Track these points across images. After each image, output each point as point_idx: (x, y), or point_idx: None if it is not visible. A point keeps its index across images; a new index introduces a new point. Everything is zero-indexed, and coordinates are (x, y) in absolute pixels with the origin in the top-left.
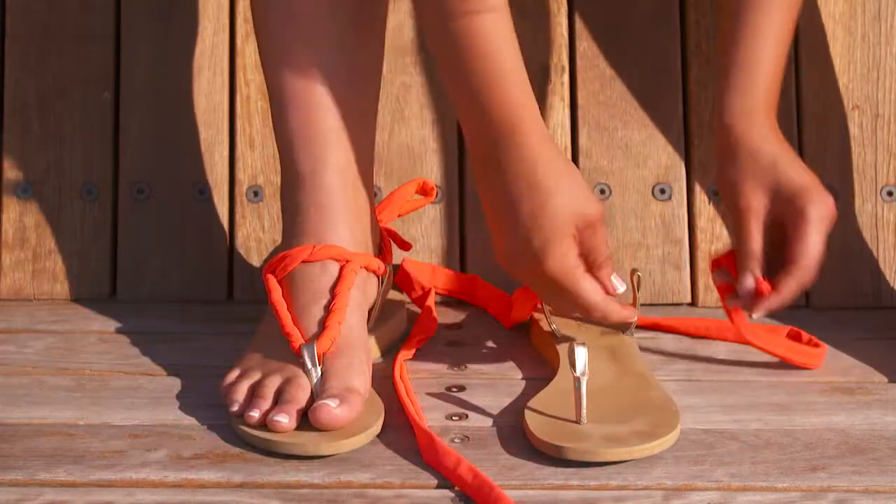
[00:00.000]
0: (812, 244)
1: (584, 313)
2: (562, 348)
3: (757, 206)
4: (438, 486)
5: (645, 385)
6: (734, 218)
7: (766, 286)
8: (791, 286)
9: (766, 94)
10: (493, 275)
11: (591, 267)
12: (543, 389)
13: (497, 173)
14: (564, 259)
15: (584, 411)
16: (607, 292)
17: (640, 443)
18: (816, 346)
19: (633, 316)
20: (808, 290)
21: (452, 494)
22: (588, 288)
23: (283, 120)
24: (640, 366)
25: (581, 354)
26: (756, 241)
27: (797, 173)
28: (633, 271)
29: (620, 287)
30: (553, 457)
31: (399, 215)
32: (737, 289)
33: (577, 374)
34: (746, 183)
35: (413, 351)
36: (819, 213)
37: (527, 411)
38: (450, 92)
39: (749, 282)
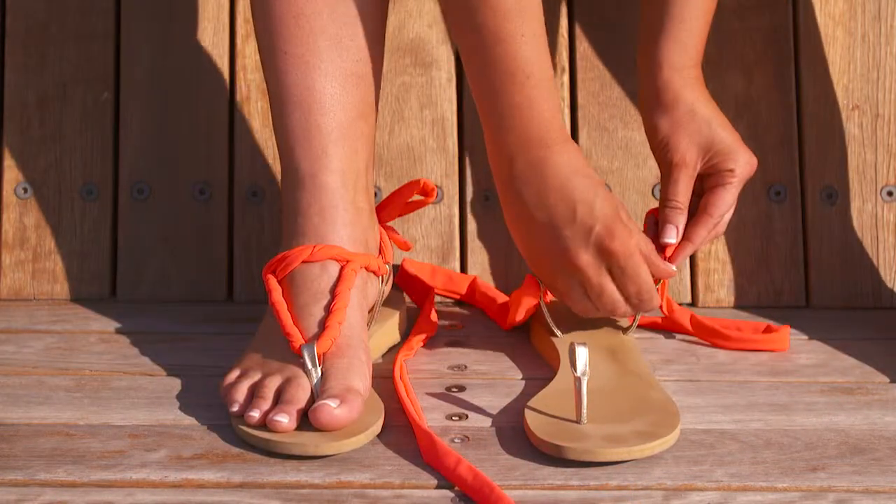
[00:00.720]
0: (728, 198)
1: (601, 308)
2: (562, 348)
3: (691, 161)
4: (438, 487)
5: (645, 385)
6: (665, 170)
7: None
8: (702, 234)
9: (698, 50)
10: (491, 275)
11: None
12: (543, 389)
13: (529, 187)
14: (631, 237)
15: (584, 411)
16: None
17: (641, 443)
18: (776, 331)
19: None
20: (808, 290)
21: (452, 494)
22: (645, 274)
23: (282, 120)
24: (640, 366)
25: (582, 354)
26: (686, 195)
27: (728, 133)
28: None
29: (672, 239)
30: (553, 456)
31: (399, 215)
32: (659, 238)
33: (578, 373)
34: (682, 138)
35: (413, 351)
36: (743, 172)
37: (527, 411)
38: (480, 109)
39: (672, 234)
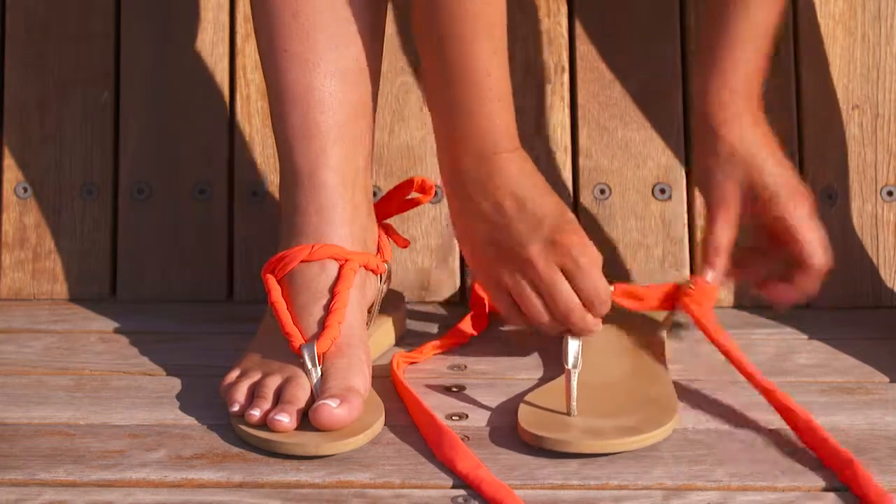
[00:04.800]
0: (815, 243)
1: (552, 307)
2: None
3: (730, 202)
4: (438, 487)
5: (653, 383)
6: (707, 209)
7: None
8: (811, 283)
9: (746, 84)
10: None
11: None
12: (548, 383)
13: (477, 185)
14: (581, 234)
15: (573, 403)
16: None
17: (619, 437)
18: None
19: (597, 325)
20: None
21: (453, 494)
22: (562, 285)
23: (282, 119)
24: (657, 364)
25: (573, 347)
26: (723, 236)
27: (774, 172)
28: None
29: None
30: (538, 447)
31: (397, 213)
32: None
33: (569, 366)
34: (720, 175)
35: (422, 357)
36: (803, 214)
37: (522, 403)
38: (432, 114)
39: (709, 274)
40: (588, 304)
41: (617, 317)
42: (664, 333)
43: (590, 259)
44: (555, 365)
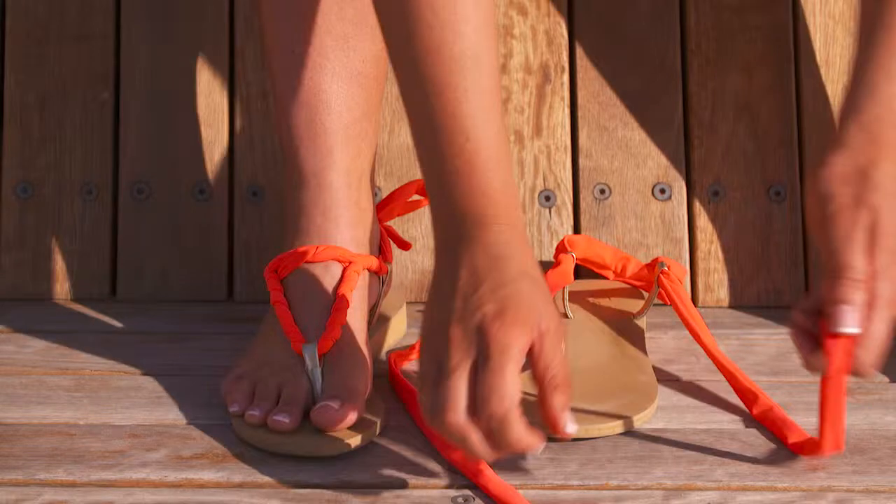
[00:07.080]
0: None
1: (483, 405)
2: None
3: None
4: (438, 487)
5: (634, 369)
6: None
7: None
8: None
9: None
10: None
11: (545, 385)
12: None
13: (453, 262)
14: (520, 336)
15: None
16: (555, 427)
17: (600, 422)
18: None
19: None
20: (808, 290)
21: (452, 494)
22: (510, 380)
23: (288, 119)
24: (637, 351)
25: None
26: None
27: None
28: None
29: (571, 427)
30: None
31: (398, 215)
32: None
33: None
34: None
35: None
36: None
37: None
38: (421, 170)
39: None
40: (485, 420)
41: (596, 304)
42: (643, 319)
43: (502, 360)
44: None
